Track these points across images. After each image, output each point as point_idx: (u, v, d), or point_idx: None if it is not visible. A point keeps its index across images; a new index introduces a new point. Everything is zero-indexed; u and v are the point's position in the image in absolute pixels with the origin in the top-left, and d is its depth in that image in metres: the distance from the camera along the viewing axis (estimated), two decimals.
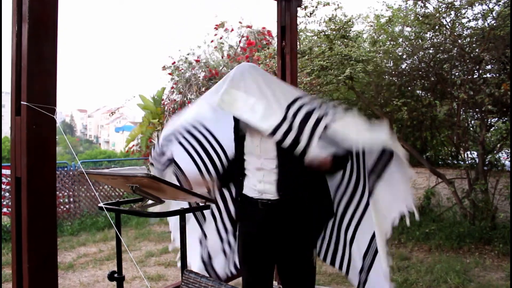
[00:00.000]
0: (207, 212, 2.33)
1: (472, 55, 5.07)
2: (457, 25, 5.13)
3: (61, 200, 6.67)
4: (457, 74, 5.36)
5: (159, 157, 2.14)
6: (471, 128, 5.72)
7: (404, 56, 5.88)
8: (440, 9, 4.96)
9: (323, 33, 5.62)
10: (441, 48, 5.41)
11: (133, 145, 9.69)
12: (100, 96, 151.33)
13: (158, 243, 5.45)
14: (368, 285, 2.00)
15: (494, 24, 4.72)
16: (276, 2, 3.10)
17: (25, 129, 1.45)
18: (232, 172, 2.13)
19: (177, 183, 2.16)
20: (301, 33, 5.90)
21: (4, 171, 5.27)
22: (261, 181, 1.91)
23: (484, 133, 5.07)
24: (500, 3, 4.79)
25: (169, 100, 9.04)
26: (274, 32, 8.82)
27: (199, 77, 8.80)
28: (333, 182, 2.08)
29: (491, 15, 4.87)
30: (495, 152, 5.15)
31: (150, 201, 1.87)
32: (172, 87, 9.02)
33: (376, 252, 1.92)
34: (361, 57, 5.24)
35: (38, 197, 1.48)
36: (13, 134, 1.51)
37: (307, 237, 1.95)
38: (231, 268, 2.43)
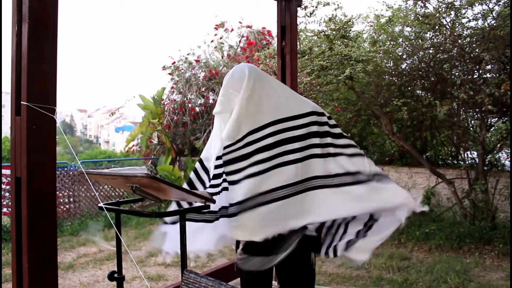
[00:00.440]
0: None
1: (472, 55, 5.07)
2: (457, 25, 5.13)
3: (61, 200, 6.67)
4: (457, 74, 5.36)
5: None
6: (471, 128, 5.72)
7: (404, 56, 5.88)
8: (440, 9, 4.95)
9: (323, 33, 5.62)
10: (441, 48, 5.41)
11: (133, 145, 9.69)
12: (100, 96, 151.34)
13: None
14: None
15: (494, 24, 4.72)
16: (276, 2, 3.10)
17: (25, 129, 1.45)
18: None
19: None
20: (301, 33, 5.90)
21: (4, 171, 5.26)
22: None
23: (484, 133, 5.07)
24: (500, 3, 4.79)
25: (169, 100, 9.04)
26: (274, 32, 8.83)
27: (199, 77, 8.81)
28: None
29: (491, 15, 4.87)
30: (495, 152, 5.15)
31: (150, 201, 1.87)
32: (172, 87, 9.03)
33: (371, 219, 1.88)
34: (361, 57, 5.24)
35: (38, 197, 1.48)
36: (13, 134, 1.51)
37: (307, 237, 1.94)
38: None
